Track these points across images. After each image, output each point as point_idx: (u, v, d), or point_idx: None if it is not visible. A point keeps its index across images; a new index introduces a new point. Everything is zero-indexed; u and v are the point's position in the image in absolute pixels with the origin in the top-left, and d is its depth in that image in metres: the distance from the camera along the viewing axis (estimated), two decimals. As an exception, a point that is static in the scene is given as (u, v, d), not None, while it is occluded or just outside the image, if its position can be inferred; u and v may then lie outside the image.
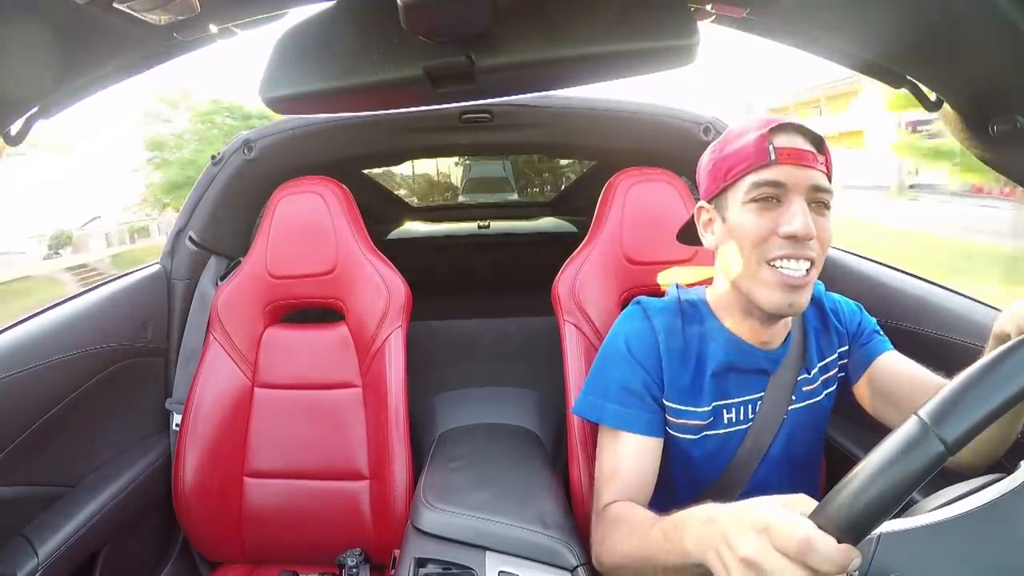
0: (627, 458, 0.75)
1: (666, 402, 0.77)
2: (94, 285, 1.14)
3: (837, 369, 0.83)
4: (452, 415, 1.50)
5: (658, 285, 1.05)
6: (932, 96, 0.64)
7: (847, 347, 0.84)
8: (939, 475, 0.37)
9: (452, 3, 0.49)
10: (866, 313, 0.86)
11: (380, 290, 1.12)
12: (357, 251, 1.15)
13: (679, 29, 0.52)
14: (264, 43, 0.60)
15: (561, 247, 1.23)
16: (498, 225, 2.13)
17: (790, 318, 0.78)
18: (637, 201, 1.07)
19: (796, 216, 0.67)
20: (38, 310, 1.00)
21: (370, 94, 0.58)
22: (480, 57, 0.53)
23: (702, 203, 0.79)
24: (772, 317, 0.73)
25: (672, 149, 1.22)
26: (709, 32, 0.61)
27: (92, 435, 1.06)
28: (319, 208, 1.15)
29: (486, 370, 1.66)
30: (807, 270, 0.68)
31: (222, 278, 1.24)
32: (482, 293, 1.85)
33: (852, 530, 0.39)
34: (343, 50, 0.56)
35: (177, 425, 1.16)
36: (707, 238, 0.79)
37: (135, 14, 0.52)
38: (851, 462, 0.41)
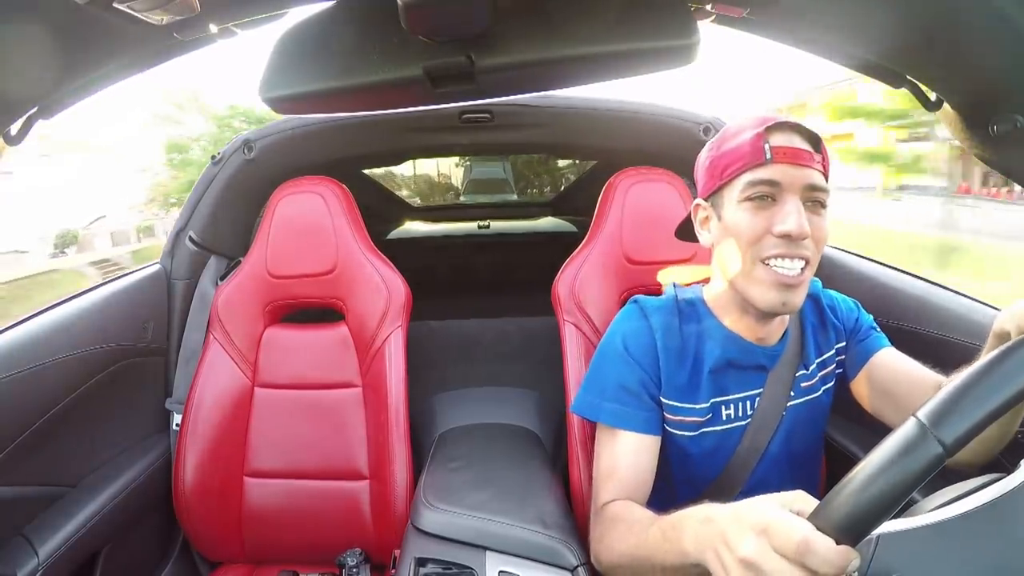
0: (625, 456, 0.75)
1: (664, 400, 0.77)
2: (94, 285, 1.14)
3: (835, 365, 0.84)
4: (452, 415, 1.50)
5: (658, 285, 1.05)
6: (932, 96, 0.64)
7: (844, 343, 0.84)
8: (938, 475, 0.37)
9: (452, 3, 0.49)
10: (863, 310, 0.86)
11: (380, 290, 1.12)
12: (357, 251, 1.15)
13: (679, 29, 0.52)
14: (264, 43, 0.60)
15: (561, 247, 1.23)
16: (498, 225, 2.13)
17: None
18: (637, 201, 1.07)
19: (790, 215, 0.67)
20: (38, 310, 1.00)
21: (370, 94, 0.58)
22: (480, 57, 0.53)
23: (699, 201, 0.79)
24: (767, 315, 0.74)
25: (672, 149, 1.21)
26: (709, 32, 0.61)
27: (92, 435, 1.06)
28: (319, 208, 1.15)
29: (486, 370, 1.66)
30: (801, 269, 0.69)
31: (222, 278, 1.24)
32: (482, 293, 1.85)
33: (850, 531, 0.39)
34: (343, 50, 0.56)
35: (177, 425, 1.16)
36: (703, 236, 0.79)
37: (135, 14, 0.52)
38: (851, 460, 0.41)
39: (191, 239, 1.25)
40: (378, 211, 1.91)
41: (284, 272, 1.16)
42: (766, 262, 0.69)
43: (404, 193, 2.89)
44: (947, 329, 0.93)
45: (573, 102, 1.24)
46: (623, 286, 1.06)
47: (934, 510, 0.44)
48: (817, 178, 0.69)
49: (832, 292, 0.88)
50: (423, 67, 0.53)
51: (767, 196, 0.69)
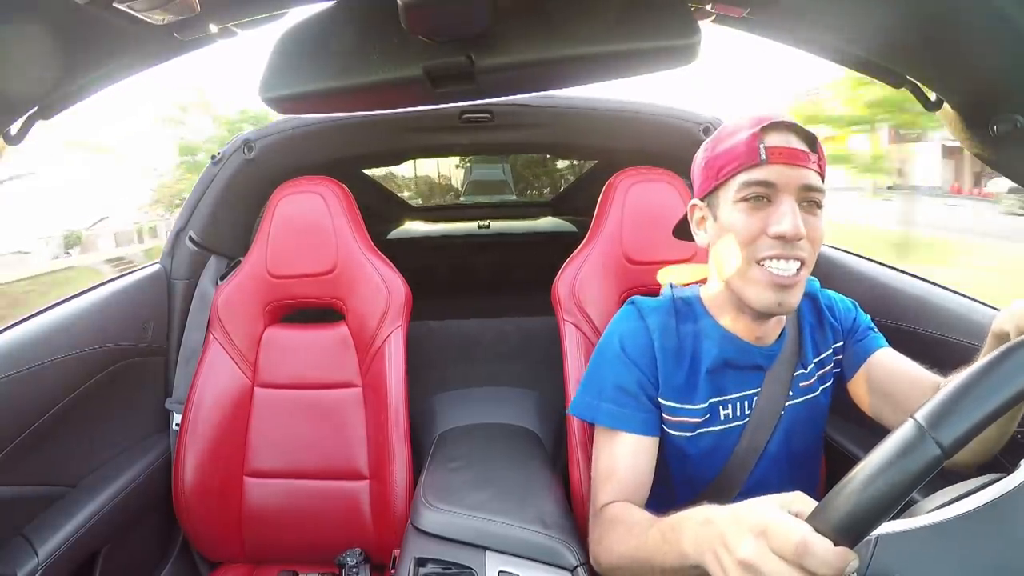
0: (623, 458, 0.75)
1: (661, 400, 0.77)
2: (94, 285, 1.14)
3: (832, 365, 0.84)
4: (452, 415, 1.50)
5: (658, 285, 1.05)
6: (932, 96, 0.64)
7: (842, 343, 0.84)
8: (937, 475, 0.37)
9: (452, 3, 0.49)
10: (861, 310, 0.86)
11: (380, 290, 1.12)
12: (357, 251, 1.15)
13: (679, 29, 0.52)
14: (264, 43, 0.60)
15: (561, 247, 1.23)
16: (498, 225, 2.13)
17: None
18: (637, 201, 1.07)
19: (785, 216, 0.67)
20: (38, 310, 1.00)
21: (370, 94, 0.58)
22: (480, 57, 0.53)
23: (695, 201, 0.79)
24: (763, 315, 0.73)
25: (672, 149, 1.21)
26: (709, 32, 0.61)
27: (92, 435, 1.06)
28: (319, 208, 1.15)
29: (486, 370, 1.66)
30: (797, 270, 0.68)
31: (222, 278, 1.24)
32: (482, 293, 1.85)
33: (848, 533, 0.39)
34: (343, 50, 0.56)
35: (177, 425, 1.16)
36: (700, 236, 0.79)
37: (135, 14, 0.52)
38: (850, 460, 0.42)
39: (191, 239, 1.25)
40: (378, 211, 1.91)
41: (284, 272, 1.16)
42: (761, 263, 0.69)
43: (405, 194, 2.89)
44: (946, 329, 0.93)
45: (573, 102, 1.24)
46: (623, 286, 1.06)
47: (934, 510, 0.44)
48: (813, 178, 0.69)
49: (830, 292, 0.88)
50: (423, 67, 0.53)
51: (762, 197, 0.69)
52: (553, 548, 0.74)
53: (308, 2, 0.62)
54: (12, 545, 0.88)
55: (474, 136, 1.30)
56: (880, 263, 1.15)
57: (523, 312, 1.66)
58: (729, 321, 0.78)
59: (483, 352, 1.71)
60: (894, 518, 0.39)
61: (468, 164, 3.04)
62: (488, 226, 2.10)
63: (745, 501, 0.49)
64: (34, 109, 0.64)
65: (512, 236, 2.11)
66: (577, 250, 1.08)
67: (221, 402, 1.13)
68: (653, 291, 1.02)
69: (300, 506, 1.12)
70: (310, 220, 1.15)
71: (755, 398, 0.78)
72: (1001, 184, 10.34)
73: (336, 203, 1.16)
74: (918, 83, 0.64)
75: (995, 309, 0.88)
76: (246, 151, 1.22)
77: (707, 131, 1.21)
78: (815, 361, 0.82)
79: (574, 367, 0.99)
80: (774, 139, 0.69)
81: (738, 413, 0.78)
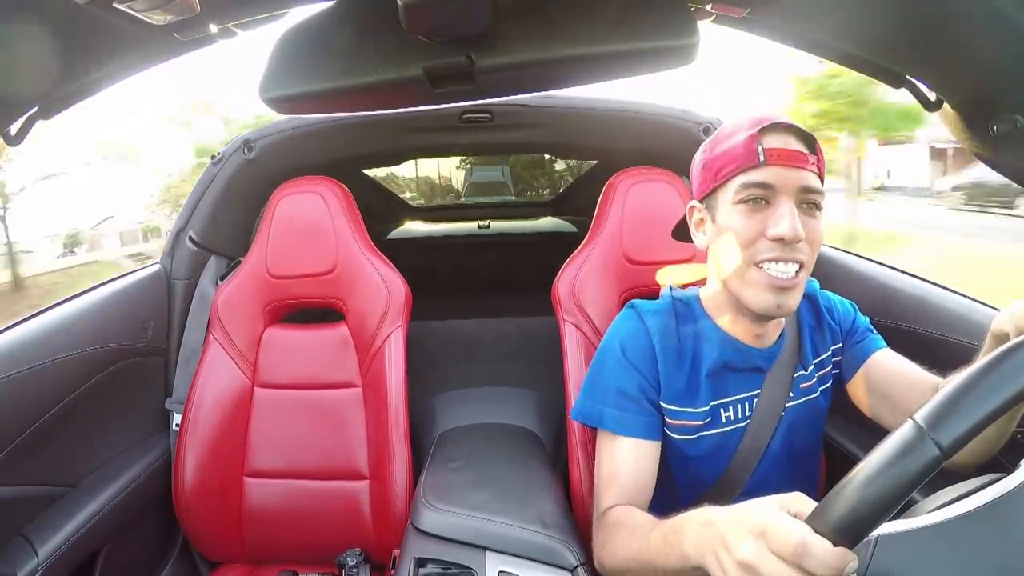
0: (625, 462, 0.75)
1: (663, 404, 0.77)
2: (94, 285, 1.14)
3: (832, 366, 0.84)
4: (452, 415, 1.50)
5: (658, 285, 1.05)
6: (932, 96, 0.64)
7: (841, 344, 0.84)
8: (937, 475, 0.37)
9: (452, 3, 0.49)
10: (860, 312, 0.86)
11: (380, 290, 1.12)
12: (357, 251, 1.15)
13: (679, 29, 0.52)
14: (264, 43, 0.60)
15: (561, 247, 1.23)
16: (498, 225, 2.13)
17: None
18: (637, 201, 1.07)
19: (784, 218, 0.66)
20: (38, 310, 1.00)
21: (370, 94, 0.58)
22: (480, 57, 0.53)
23: (694, 203, 0.79)
24: (762, 317, 0.73)
25: (672, 149, 1.21)
26: (709, 32, 0.61)
27: (92, 435, 1.06)
28: (319, 208, 1.15)
29: (486, 370, 1.66)
30: (796, 272, 0.68)
31: (222, 278, 1.24)
32: (482, 293, 1.85)
33: (847, 533, 0.39)
34: (343, 50, 0.56)
35: (177, 425, 1.16)
36: (699, 238, 0.79)
37: (135, 14, 0.52)
38: (850, 460, 0.41)
39: (191, 239, 1.25)
40: (378, 211, 1.92)
41: (284, 272, 1.16)
42: (760, 265, 0.69)
43: (407, 195, 2.90)
44: (946, 329, 0.92)
45: (573, 102, 1.24)
46: (623, 286, 1.06)
47: (934, 511, 0.44)
48: (811, 180, 0.68)
49: (829, 293, 0.88)
50: (423, 67, 0.53)
51: (761, 199, 0.69)
52: (553, 548, 0.74)
53: (308, 2, 0.63)
54: (12, 545, 0.88)
55: (474, 136, 1.30)
56: (880, 263, 1.15)
57: (523, 312, 1.66)
58: (728, 322, 0.78)
59: (483, 352, 1.70)
60: (894, 518, 0.39)
61: (469, 166, 3.06)
62: (488, 226, 2.10)
63: (745, 502, 0.49)
64: (34, 109, 0.64)
65: (512, 236, 2.12)
66: (577, 250, 1.08)
67: (221, 402, 1.13)
68: (653, 291, 1.02)
69: (300, 506, 1.12)
70: (310, 220, 1.15)
71: (756, 400, 0.78)
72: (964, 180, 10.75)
73: (336, 203, 1.16)
74: (918, 83, 0.64)
75: (995, 309, 0.88)
76: (246, 151, 1.22)
77: (707, 131, 1.21)
78: (815, 362, 0.81)
79: (574, 367, 0.99)
80: (773, 140, 0.68)
81: (739, 415, 0.78)
